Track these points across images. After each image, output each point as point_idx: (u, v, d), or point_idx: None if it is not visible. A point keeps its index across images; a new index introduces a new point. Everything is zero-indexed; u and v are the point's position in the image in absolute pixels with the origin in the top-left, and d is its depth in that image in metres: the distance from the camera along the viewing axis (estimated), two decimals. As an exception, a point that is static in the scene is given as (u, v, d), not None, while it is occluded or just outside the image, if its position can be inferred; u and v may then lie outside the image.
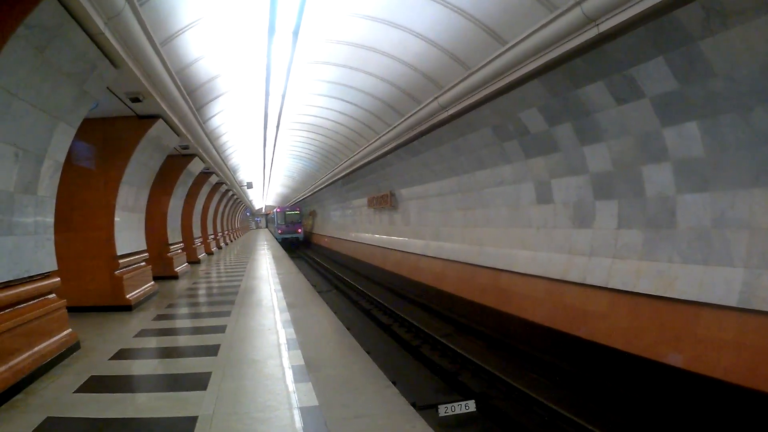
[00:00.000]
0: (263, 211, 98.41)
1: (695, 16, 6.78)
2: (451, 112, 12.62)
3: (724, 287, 7.78)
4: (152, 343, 9.33)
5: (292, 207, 63.66)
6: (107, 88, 9.36)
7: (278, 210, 63.37)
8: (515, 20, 9.29)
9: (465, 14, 10.06)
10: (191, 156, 19.24)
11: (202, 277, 20.45)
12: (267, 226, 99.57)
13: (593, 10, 7.41)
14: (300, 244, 59.73)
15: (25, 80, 6.42)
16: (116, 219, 12.02)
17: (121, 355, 8.27)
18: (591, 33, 7.72)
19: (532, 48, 8.95)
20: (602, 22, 7.46)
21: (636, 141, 9.09)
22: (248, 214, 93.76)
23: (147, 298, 13.54)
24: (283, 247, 44.61)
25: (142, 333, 9.92)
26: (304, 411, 5.51)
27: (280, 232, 60.05)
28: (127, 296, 12.16)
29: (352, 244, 36.66)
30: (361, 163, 23.35)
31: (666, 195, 8.85)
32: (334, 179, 31.91)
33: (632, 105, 8.71)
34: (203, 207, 29.39)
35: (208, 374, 6.92)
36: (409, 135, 16.03)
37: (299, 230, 60.45)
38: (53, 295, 8.07)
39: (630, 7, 6.95)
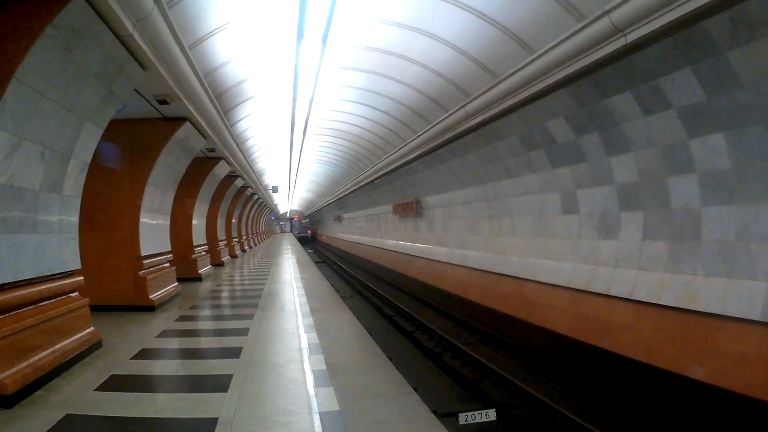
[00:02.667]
0: (288, 215, 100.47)
1: (723, 27, 6.71)
2: (478, 120, 12.57)
3: (748, 301, 7.72)
4: (174, 343, 9.39)
5: (305, 217, 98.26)
6: (135, 89, 9.48)
7: (295, 219, 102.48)
8: (543, 29, 9.24)
9: (493, 22, 10.01)
10: (217, 159, 19.34)
11: (226, 279, 20.54)
12: (291, 230, 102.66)
13: (621, 20, 7.36)
14: (308, 240, 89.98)
15: (53, 80, 6.49)
16: (141, 220, 12.13)
17: (143, 354, 8.32)
18: (619, 43, 7.67)
19: (559, 57, 8.92)
20: (630, 32, 7.41)
21: (662, 152, 8.99)
22: (273, 218, 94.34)
23: (170, 299, 13.65)
24: (300, 243, 64.15)
25: (165, 333, 9.98)
26: (325, 416, 5.48)
27: (297, 232, 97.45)
28: (151, 297, 12.25)
29: (374, 249, 36.72)
30: (387, 169, 23.36)
31: (691, 207, 8.76)
32: (359, 185, 31.96)
33: (659, 116, 8.64)
34: (228, 210, 29.53)
35: (230, 376, 6.93)
36: (435, 142, 16.01)
37: (308, 231, 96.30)
38: (76, 293, 8.14)
39: (658, 17, 6.90)
